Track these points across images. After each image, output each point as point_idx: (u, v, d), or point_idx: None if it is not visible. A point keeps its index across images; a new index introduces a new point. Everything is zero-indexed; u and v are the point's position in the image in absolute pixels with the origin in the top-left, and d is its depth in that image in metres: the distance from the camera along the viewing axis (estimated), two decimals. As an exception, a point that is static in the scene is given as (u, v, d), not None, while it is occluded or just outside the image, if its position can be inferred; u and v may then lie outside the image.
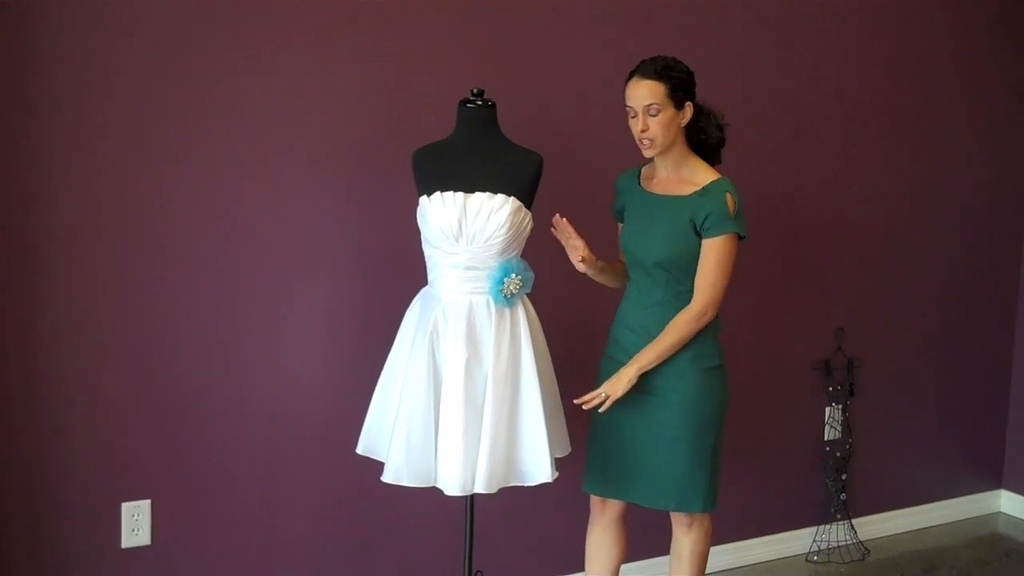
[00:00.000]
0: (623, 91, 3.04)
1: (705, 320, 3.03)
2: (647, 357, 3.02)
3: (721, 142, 3.16)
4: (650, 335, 3.06)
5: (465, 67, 3.41)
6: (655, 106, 2.98)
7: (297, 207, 3.29)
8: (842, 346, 4.28)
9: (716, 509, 3.18)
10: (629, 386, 3.00)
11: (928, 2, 4.31)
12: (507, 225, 2.94)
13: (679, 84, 3.00)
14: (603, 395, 3.01)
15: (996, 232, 4.65)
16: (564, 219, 3.06)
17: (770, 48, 4.00)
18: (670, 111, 3.00)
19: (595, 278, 3.22)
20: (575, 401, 3.06)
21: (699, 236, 3.02)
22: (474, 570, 3.28)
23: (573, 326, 3.61)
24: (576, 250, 3.08)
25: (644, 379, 3.05)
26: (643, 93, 2.99)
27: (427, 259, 3.06)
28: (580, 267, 3.12)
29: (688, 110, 3.04)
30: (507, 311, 3.00)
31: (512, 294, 2.98)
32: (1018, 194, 4.67)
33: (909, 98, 4.33)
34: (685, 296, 3.05)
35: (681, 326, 3.02)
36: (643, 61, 3.03)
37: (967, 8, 4.42)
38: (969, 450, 4.71)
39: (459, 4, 3.43)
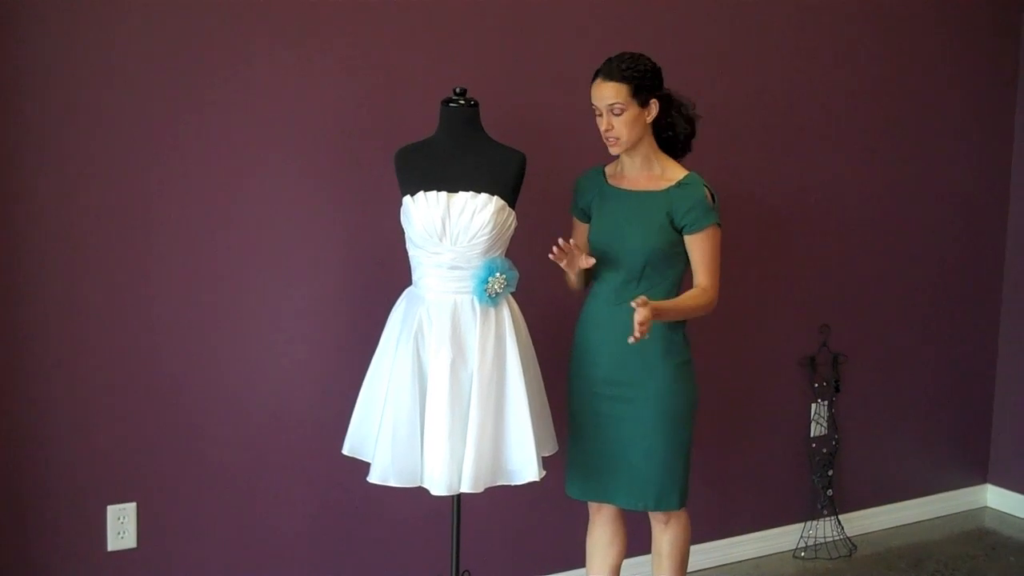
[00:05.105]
0: (588, 91, 3.05)
1: (710, 311, 3.06)
2: (666, 305, 2.95)
3: (691, 134, 3.16)
4: (624, 331, 2.97)
5: (448, 66, 3.41)
6: (618, 106, 2.99)
7: (281, 208, 3.29)
8: (827, 342, 4.29)
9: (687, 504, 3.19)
10: (645, 321, 2.82)
11: (913, 1, 4.33)
12: (491, 224, 2.94)
13: (642, 83, 3.00)
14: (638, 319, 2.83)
15: (980, 229, 4.66)
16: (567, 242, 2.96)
17: (756, 46, 4.00)
18: (634, 110, 3.01)
19: (573, 280, 3.18)
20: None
21: (676, 231, 3.03)
22: (461, 570, 3.28)
23: (558, 325, 3.60)
24: (583, 260, 3.00)
25: (617, 378, 3.07)
26: (607, 94, 2.99)
27: (411, 259, 3.05)
28: (583, 262, 3.01)
29: (653, 107, 3.04)
30: (492, 310, 3.00)
31: (497, 293, 2.98)
32: (1001, 189, 4.69)
33: (894, 96, 4.34)
34: (660, 290, 3.06)
35: (700, 297, 3.02)
36: (607, 60, 3.04)
37: (951, 7, 4.44)
38: (955, 445, 4.72)
39: (443, 4, 3.43)
